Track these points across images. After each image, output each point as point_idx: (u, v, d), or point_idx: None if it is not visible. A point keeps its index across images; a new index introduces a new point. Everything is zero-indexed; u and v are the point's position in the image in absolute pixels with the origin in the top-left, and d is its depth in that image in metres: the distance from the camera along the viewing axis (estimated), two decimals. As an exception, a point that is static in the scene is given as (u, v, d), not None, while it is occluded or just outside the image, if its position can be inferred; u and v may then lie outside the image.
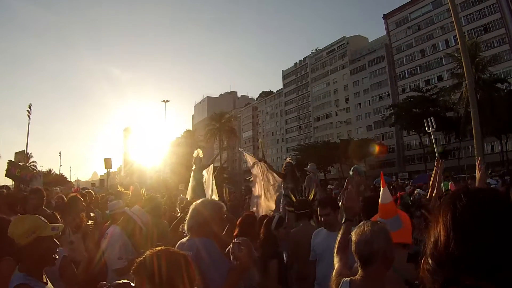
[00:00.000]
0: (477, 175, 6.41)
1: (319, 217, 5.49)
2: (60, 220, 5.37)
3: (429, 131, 7.45)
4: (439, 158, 7.07)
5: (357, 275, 2.75)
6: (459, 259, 1.07)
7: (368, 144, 74.81)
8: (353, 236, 2.79)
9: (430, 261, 1.16)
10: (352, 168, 9.88)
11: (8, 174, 13.18)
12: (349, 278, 2.79)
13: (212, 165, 11.80)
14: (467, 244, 1.07)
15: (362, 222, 2.88)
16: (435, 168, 6.57)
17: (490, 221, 1.07)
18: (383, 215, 3.47)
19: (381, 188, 3.60)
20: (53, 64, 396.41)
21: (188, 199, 9.64)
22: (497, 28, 67.08)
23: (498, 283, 1.01)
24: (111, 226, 5.93)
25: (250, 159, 10.63)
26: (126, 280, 2.43)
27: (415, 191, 12.26)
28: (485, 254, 1.04)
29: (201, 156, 11.72)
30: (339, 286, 2.80)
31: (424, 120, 7.88)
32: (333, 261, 3.22)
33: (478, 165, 6.85)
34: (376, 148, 62.33)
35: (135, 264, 2.35)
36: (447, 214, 1.15)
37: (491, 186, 13.93)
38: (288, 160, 10.53)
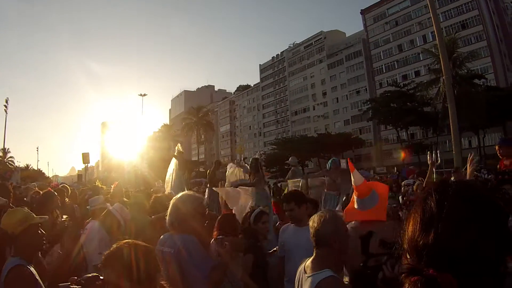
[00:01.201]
0: (468, 169, 6.72)
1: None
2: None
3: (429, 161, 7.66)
4: (433, 161, 7.39)
5: (313, 256, 3.13)
6: (422, 249, 1.09)
7: (345, 138, 75.37)
8: (310, 222, 3.19)
9: (406, 253, 1.18)
10: (330, 160, 9.85)
11: None
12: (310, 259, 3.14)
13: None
14: (429, 235, 1.08)
15: (320, 211, 3.31)
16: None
17: (454, 213, 1.09)
18: (359, 195, 3.54)
19: (351, 172, 3.66)
20: (30, 56, 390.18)
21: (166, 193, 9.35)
22: (475, 25, 68.14)
23: (458, 275, 1.02)
24: (90, 221, 5.98)
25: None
26: (95, 274, 2.56)
27: (402, 185, 12.13)
28: (446, 245, 1.06)
29: (181, 150, 11.48)
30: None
31: (428, 152, 8.04)
32: (303, 257, 3.34)
33: (471, 160, 7.06)
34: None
35: (103, 257, 2.39)
36: (418, 207, 1.18)
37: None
38: (256, 156, 10.34)
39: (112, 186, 9.58)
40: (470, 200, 1.12)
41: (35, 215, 3.57)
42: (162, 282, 2.52)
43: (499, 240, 1.06)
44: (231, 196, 8.97)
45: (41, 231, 3.58)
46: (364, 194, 3.51)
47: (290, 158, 10.89)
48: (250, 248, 4.86)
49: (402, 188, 11.26)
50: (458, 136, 29.62)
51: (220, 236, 4.09)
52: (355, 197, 3.56)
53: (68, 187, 11.64)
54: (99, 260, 4.84)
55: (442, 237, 1.07)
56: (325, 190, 9.18)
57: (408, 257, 1.16)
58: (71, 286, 2.45)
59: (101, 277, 2.42)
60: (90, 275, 2.49)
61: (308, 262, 3.13)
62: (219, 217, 5.44)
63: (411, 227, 1.16)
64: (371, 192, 3.55)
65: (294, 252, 4.71)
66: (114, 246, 2.42)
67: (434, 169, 7.61)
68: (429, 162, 7.46)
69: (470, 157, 7.58)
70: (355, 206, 3.47)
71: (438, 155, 7.78)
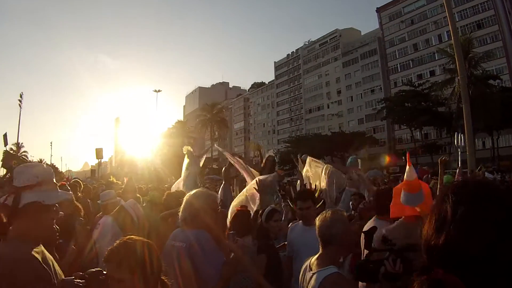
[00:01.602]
0: (440, 173, 7.12)
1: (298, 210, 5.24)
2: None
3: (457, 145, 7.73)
4: (444, 158, 7.43)
5: (318, 253, 3.27)
6: (434, 249, 1.11)
7: (359, 137, 75.06)
8: (317, 221, 3.30)
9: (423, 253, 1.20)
10: (351, 158, 9.85)
11: (5, 164, 12.96)
12: (315, 257, 3.27)
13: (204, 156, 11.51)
14: (441, 236, 1.10)
15: (324, 211, 3.39)
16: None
17: (469, 215, 1.09)
18: (410, 189, 3.70)
19: (407, 166, 3.81)
20: (43, 53, 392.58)
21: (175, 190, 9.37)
22: (491, 25, 67.30)
23: (471, 277, 1.03)
24: (103, 216, 5.95)
25: (228, 156, 10.29)
26: (98, 269, 2.50)
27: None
28: (458, 247, 1.06)
29: (191, 150, 11.54)
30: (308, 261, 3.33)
31: (456, 134, 8.08)
32: (310, 257, 3.39)
33: (442, 162, 7.19)
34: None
35: (106, 252, 2.42)
36: (435, 208, 1.20)
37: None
38: (271, 153, 10.10)
39: (125, 180, 9.64)
40: (487, 201, 1.11)
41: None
42: (163, 278, 2.55)
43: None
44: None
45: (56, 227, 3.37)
46: (415, 190, 3.68)
47: (303, 155, 10.89)
48: (262, 248, 4.69)
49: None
50: (472, 137, 29.43)
51: (232, 231, 4.05)
52: (403, 192, 3.70)
53: (80, 182, 11.82)
54: None
55: (454, 238, 1.07)
56: (346, 187, 9.17)
57: (424, 256, 1.19)
58: (75, 281, 2.42)
59: (104, 272, 2.43)
60: (94, 269, 2.47)
61: (313, 259, 3.26)
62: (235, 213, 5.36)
63: (427, 227, 1.19)
64: (420, 191, 3.72)
65: (302, 252, 4.59)
66: (117, 241, 2.47)
67: (444, 169, 7.60)
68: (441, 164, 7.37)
69: (441, 159, 7.63)
70: (403, 201, 3.67)
71: (463, 139, 7.74)
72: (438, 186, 7.49)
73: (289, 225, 5.75)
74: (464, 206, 1.11)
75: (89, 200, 9.77)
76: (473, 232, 1.06)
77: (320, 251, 3.25)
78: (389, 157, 61.73)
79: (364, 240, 3.57)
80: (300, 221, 5.22)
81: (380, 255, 2.74)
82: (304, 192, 5.56)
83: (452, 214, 1.12)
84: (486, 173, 17.31)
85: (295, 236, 5.09)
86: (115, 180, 12.29)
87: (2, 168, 14.04)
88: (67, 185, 8.16)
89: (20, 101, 47.09)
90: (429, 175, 18.69)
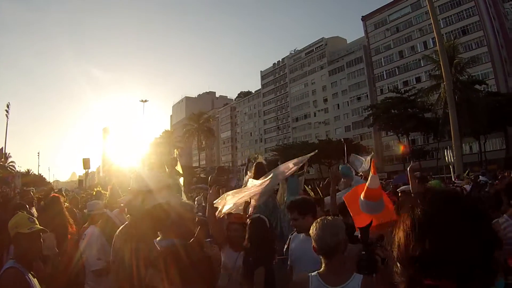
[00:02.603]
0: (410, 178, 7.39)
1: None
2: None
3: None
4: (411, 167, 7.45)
5: (322, 268, 3.09)
6: (413, 258, 1.12)
7: (346, 144, 75.21)
8: (316, 230, 3.10)
9: (397, 263, 1.20)
10: (342, 166, 9.64)
11: None
12: (315, 272, 3.09)
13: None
14: (419, 244, 1.11)
15: (320, 219, 3.25)
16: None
17: (442, 221, 1.11)
18: (371, 198, 3.73)
19: (371, 175, 3.84)
20: (31, 62, 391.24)
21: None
22: (475, 31, 68.26)
23: (455, 279, 1.06)
24: (89, 227, 5.93)
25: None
26: None
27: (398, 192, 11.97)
28: (435, 253, 1.08)
29: (175, 156, 11.19)
30: (309, 282, 3.06)
31: (445, 151, 8.06)
32: (309, 267, 3.35)
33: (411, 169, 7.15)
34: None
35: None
36: (407, 217, 1.19)
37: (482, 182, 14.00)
38: (260, 159, 9.10)
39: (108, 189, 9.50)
40: (453, 205, 1.16)
41: (30, 222, 3.57)
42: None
43: (485, 238, 1.09)
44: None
45: (33, 240, 3.53)
46: (377, 198, 3.70)
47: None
48: (262, 260, 4.46)
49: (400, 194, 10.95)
50: (459, 141, 29.76)
51: (209, 239, 4.08)
52: (362, 200, 3.73)
53: (62, 195, 11.60)
54: (98, 265, 5.09)
55: (431, 245, 1.08)
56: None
57: (399, 266, 1.18)
58: None
59: None
60: None
61: (325, 273, 3.07)
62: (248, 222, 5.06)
63: (401, 237, 1.17)
64: (381, 198, 3.79)
65: (300, 262, 4.54)
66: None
67: (414, 177, 7.65)
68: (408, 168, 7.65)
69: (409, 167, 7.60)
70: (364, 209, 3.72)
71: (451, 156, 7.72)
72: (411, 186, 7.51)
73: (290, 235, 5.59)
74: (434, 212, 1.14)
75: (77, 210, 9.89)
76: (447, 236, 1.09)
77: (327, 263, 3.09)
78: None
79: (360, 235, 3.56)
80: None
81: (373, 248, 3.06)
82: (291, 203, 5.19)
83: (424, 221, 1.13)
84: (480, 176, 17.22)
85: (294, 246, 4.93)
86: (102, 191, 12.09)
87: None
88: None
89: (7, 111, 46.53)
90: (417, 181, 18.46)
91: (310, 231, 3.18)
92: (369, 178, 3.81)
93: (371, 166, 4.01)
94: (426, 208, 1.16)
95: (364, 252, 3.17)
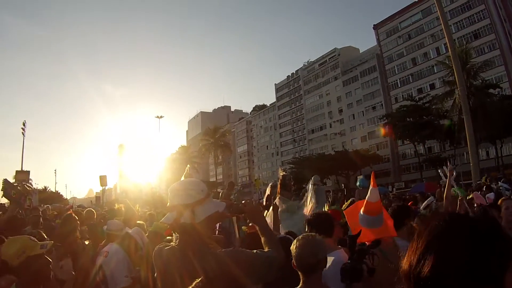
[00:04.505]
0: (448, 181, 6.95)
1: None
2: (46, 238, 5.17)
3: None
4: (451, 167, 7.17)
5: (300, 284, 3.08)
6: (417, 279, 1.14)
7: (362, 155, 74.82)
8: (297, 248, 3.09)
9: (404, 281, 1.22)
10: (359, 180, 9.56)
11: (5, 194, 12.66)
12: None
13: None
14: (423, 266, 1.13)
15: (301, 236, 3.26)
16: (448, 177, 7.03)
17: (445, 242, 1.14)
18: (370, 212, 3.61)
19: (371, 188, 3.71)
20: (45, 81, 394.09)
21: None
22: (487, 34, 67.43)
23: None
24: (108, 244, 5.81)
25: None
26: None
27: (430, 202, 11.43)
28: (439, 275, 1.10)
29: (188, 172, 11.03)
30: None
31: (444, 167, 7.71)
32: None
33: (451, 172, 6.84)
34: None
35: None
36: (414, 240, 1.22)
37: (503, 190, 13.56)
38: (282, 172, 8.95)
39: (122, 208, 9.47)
40: (456, 226, 1.18)
41: (37, 242, 3.39)
42: None
43: (494, 256, 1.09)
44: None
45: (45, 259, 3.37)
46: (376, 213, 3.63)
47: (313, 177, 10.40)
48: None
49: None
50: (475, 147, 29.34)
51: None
52: (362, 214, 3.66)
53: (81, 212, 11.62)
54: (125, 283, 5.02)
55: (438, 268, 1.10)
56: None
57: (406, 284, 1.19)
58: None
59: None
60: None
61: None
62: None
63: (411, 256, 1.19)
64: (381, 213, 3.70)
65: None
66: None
67: (453, 183, 7.34)
68: (446, 174, 7.23)
69: (449, 168, 7.28)
70: (362, 223, 3.62)
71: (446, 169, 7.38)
72: (445, 193, 7.19)
73: None
74: (442, 235, 1.16)
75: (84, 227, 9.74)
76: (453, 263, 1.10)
77: (303, 281, 3.08)
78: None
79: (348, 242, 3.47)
80: None
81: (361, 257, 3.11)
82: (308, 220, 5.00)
83: (433, 247, 1.15)
84: (500, 182, 16.75)
85: None
86: (122, 208, 11.97)
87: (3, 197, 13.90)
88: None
89: (23, 129, 47.20)
90: (442, 189, 17.77)
91: (291, 247, 3.16)
92: (369, 192, 3.71)
93: (371, 178, 3.86)
94: (434, 231, 1.18)
95: (349, 261, 3.18)
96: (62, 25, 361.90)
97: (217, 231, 6.48)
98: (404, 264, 1.19)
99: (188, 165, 10.99)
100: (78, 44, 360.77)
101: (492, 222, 1.18)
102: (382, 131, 60.89)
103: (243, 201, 3.17)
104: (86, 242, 6.77)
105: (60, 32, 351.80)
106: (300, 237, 3.23)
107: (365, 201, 3.76)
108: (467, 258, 1.08)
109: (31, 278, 3.23)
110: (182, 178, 8.71)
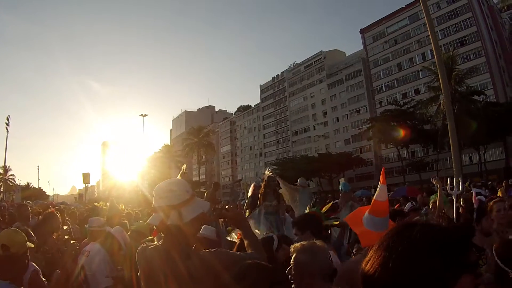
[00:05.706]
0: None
1: None
2: (33, 235, 5.13)
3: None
4: (434, 176, 7.28)
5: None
6: (377, 281, 1.14)
7: (346, 157, 75.09)
8: (294, 254, 2.93)
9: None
10: (343, 183, 9.38)
11: None
12: None
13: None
14: (387, 270, 1.13)
15: (301, 243, 3.04)
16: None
17: (395, 247, 1.15)
18: (376, 213, 3.40)
19: (380, 185, 3.52)
20: (31, 76, 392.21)
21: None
22: (473, 41, 68.31)
23: None
24: (89, 243, 5.76)
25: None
26: None
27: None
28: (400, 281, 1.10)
29: (185, 171, 10.95)
30: None
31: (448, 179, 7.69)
32: None
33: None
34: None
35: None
36: (383, 242, 1.23)
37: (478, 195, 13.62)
38: (269, 173, 8.80)
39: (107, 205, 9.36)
40: (405, 232, 1.20)
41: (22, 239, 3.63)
42: None
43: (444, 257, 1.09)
44: None
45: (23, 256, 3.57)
46: (383, 214, 3.42)
47: (299, 180, 10.44)
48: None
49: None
50: (458, 153, 29.34)
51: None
52: (367, 215, 3.43)
53: (63, 210, 11.40)
54: (107, 283, 5.02)
55: (399, 274, 1.10)
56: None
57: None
58: None
59: None
60: None
61: None
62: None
63: (373, 260, 1.20)
64: (387, 216, 3.47)
65: None
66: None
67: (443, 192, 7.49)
68: (436, 184, 7.47)
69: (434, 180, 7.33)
70: (366, 225, 3.38)
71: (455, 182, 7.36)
72: (438, 204, 7.25)
73: None
74: (407, 246, 1.14)
75: (75, 226, 9.63)
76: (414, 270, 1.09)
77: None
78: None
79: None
80: None
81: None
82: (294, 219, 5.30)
83: (396, 253, 1.14)
84: (473, 188, 16.90)
85: None
86: (104, 206, 11.84)
87: None
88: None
89: (7, 124, 46.59)
90: (424, 194, 17.82)
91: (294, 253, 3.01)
92: (377, 189, 3.55)
93: (381, 175, 3.70)
94: (397, 240, 1.18)
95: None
96: (49, 21, 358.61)
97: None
98: (369, 265, 1.19)
99: (185, 165, 10.87)
100: (64, 40, 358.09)
101: (458, 231, 1.18)
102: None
103: (226, 206, 3.16)
104: (72, 242, 6.53)
105: (47, 27, 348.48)
106: (297, 244, 3.07)
107: (372, 200, 3.62)
108: (419, 268, 1.08)
109: (10, 269, 3.54)
110: (178, 177, 8.61)
